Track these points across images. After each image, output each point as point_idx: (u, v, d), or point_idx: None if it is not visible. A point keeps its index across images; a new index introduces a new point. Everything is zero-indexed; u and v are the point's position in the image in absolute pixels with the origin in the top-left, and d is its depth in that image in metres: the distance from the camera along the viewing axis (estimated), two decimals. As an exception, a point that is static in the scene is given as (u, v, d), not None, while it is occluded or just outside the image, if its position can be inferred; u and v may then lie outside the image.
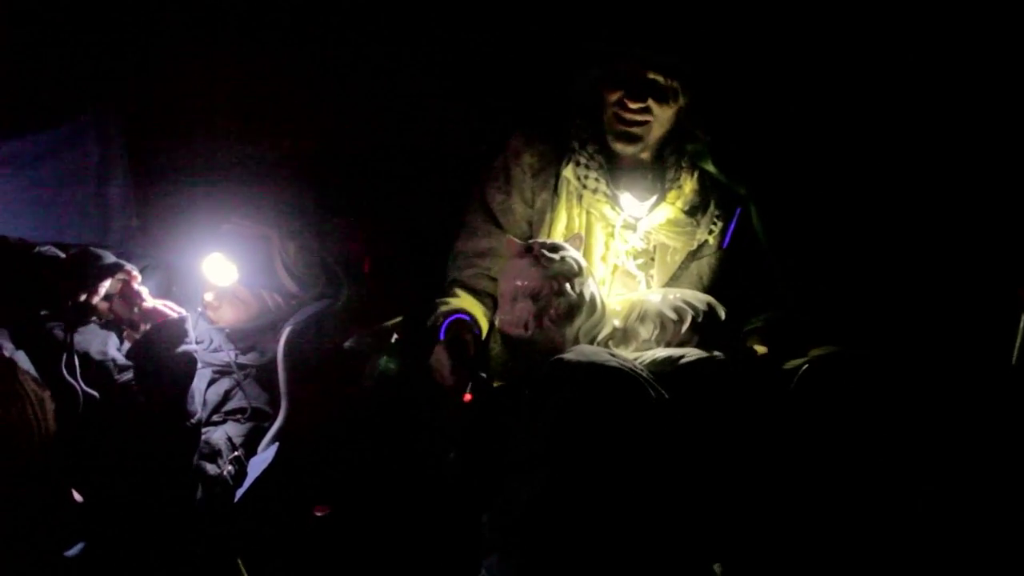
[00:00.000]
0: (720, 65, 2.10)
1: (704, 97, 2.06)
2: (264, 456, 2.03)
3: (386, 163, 2.78)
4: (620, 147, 2.09)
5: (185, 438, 1.86)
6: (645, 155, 2.14)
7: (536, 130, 2.18)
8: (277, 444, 2.06)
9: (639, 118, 2.04)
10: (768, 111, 2.32)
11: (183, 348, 1.87)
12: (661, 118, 2.05)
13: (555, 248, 2.00)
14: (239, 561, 1.88)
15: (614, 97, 2.05)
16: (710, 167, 2.10)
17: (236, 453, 1.97)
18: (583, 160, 2.12)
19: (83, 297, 1.93)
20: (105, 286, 1.97)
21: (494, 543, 1.77)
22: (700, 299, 2.04)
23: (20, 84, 2.64)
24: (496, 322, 2.08)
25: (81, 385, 1.88)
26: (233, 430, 2.03)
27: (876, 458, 1.79)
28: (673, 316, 1.99)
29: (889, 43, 2.42)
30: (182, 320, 1.92)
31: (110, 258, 2.00)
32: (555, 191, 2.13)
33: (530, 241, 2.05)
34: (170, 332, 1.89)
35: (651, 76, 2.01)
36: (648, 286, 2.13)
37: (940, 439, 1.86)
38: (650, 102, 2.02)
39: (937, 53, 2.39)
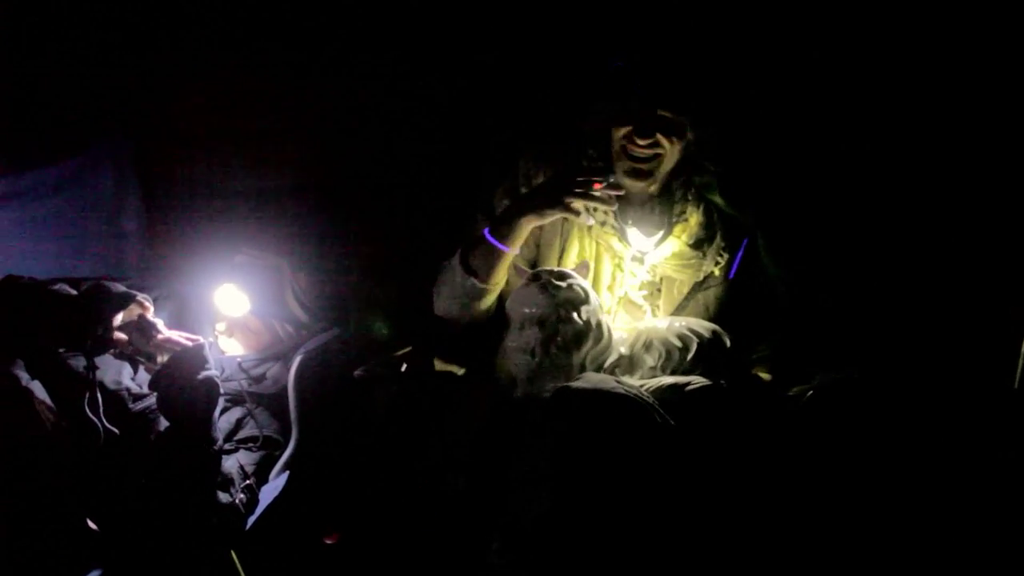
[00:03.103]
0: (729, 99, 2.11)
1: (712, 131, 2.07)
2: (275, 484, 2.05)
3: (397, 192, 2.80)
4: (630, 183, 2.07)
5: (207, 465, 1.88)
6: (652, 188, 2.15)
7: (547, 151, 2.18)
8: (288, 472, 2.08)
9: (648, 153, 2.03)
10: (774, 141, 2.33)
11: (205, 374, 1.89)
12: (670, 152, 2.04)
13: (562, 276, 2.02)
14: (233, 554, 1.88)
15: (622, 132, 2.04)
16: (717, 199, 2.11)
17: (248, 481, 1.98)
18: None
19: (100, 331, 1.95)
20: (119, 318, 2.00)
21: (501, 569, 1.78)
22: (706, 327, 2.05)
23: (34, 116, 2.67)
24: (503, 349, 2.10)
25: (104, 423, 1.90)
26: (245, 458, 2.04)
27: (881, 482, 1.79)
28: (679, 344, 2.01)
29: (894, 67, 2.44)
30: (201, 347, 1.94)
31: (121, 289, 2.02)
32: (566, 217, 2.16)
33: (538, 269, 2.07)
34: (191, 359, 1.90)
35: (660, 112, 2.00)
36: (654, 316, 2.15)
37: (944, 463, 1.87)
38: (659, 137, 2.01)
39: (941, 74, 2.41)
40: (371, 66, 2.77)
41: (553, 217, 2.00)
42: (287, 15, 2.75)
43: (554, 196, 1.97)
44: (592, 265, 2.13)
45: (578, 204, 1.95)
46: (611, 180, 1.98)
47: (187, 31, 2.75)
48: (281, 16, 2.75)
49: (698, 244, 2.13)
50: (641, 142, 2.02)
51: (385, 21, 2.74)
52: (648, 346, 2.02)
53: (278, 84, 2.79)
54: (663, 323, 2.07)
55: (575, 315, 1.99)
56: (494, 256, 2.06)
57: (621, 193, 1.98)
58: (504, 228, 2.03)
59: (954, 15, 2.38)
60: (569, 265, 2.14)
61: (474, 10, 2.69)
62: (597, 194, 1.96)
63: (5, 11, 2.64)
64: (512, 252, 2.06)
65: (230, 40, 2.75)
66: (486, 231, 2.05)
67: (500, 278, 2.10)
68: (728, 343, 2.04)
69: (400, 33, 2.74)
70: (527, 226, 2.02)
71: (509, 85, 2.69)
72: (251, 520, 1.95)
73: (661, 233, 2.13)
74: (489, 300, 2.13)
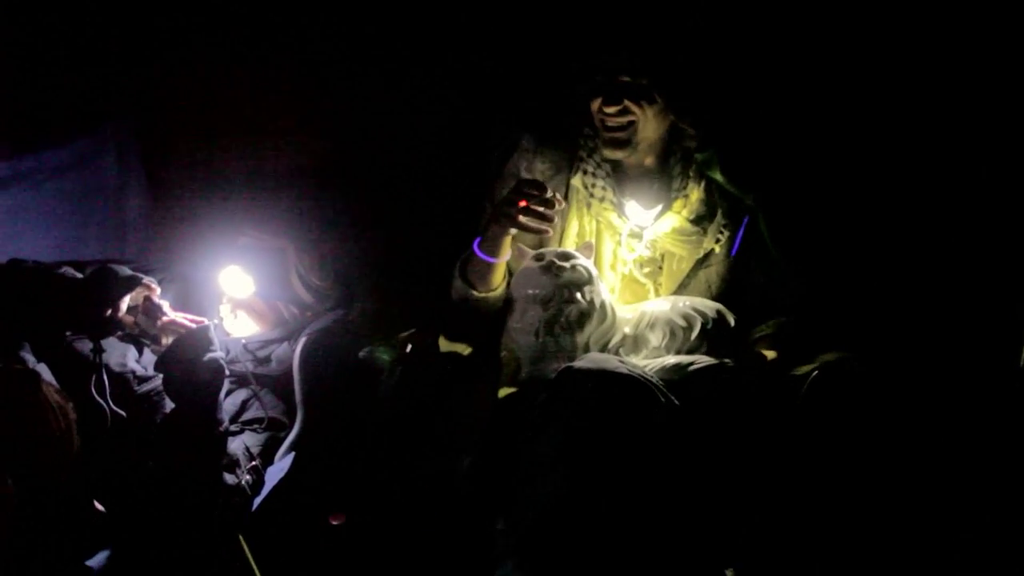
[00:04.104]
0: (689, 61, 2.11)
1: (680, 93, 2.07)
2: (281, 465, 2.06)
3: (400, 174, 2.80)
4: (610, 152, 2.11)
5: (213, 446, 1.89)
6: (649, 162, 2.15)
7: (546, 136, 2.20)
8: (293, 453, 2.09)
9: (620, 120, 2.06)
10: (775, 120, 2.32)
11: (210, 356, 1.90)
12: (645, 119, 2.06)
13: (566, 256, 2.02)
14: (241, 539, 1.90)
15: (596, 106, 2.08)
16: (718, 176, 2.11)
17: (253, 463, 1.99)
18: (590, 169, 2.15)
19: (108, 313, 1.96)
20: (127, 300, 2.00)
21: (508, 550, 1.79)
22: (709, 306, 2.05)
23: (39, 100, 2.68)
24: (507, 330, 2.10)
25: (110, 405, 1.91)
26: (250, 440, 2.06)
27: (885, 464, 1.79)
28: (683, 323, 2.01)
29: (896, 45, 2.42)
30: (205, 329, 1.95)
31: (127, 272, 2.03)
32: (566, 198, 2.16)
33: (541, 250, 2.07)
34: (196, 341, 1.92)
35: (622, 79, 2.04)
36: (656, 294, 2.14)
37: (948, 444, 1.87)
38: (626, 103, 2.04)
39: (940, 55, 2.39)
40: (376, 49, 2.76)
41: (514, 229, 2.00)
42: (291, 2, 2.75)
43: (502, 214, 1.99)
44: (593, 245, 2.13)
45: (522, 220, 1.96)
46: (547, 196, 1.96)
47: (192, 14, 2.74)
48: (285, 3, 2.74)
49: (698, 220, 2.13)
50: (609, 110, 2.05)
51: (390, 7, 2.73)
52: (652, 325, 2.02)
53: (283, 67, 2.79)
54: (667, 302, 2.06)
55: (578, 295, 1.99)
56: (485, 267, 2.08)
57: (553, 211, 1.96)
58: (487, 242, 2.06)
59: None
60: (570, 244, 2.14)
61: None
62: (539, 210, 1.95)
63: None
64: (501, 261, 2.08)
65: (235, 24, 2.74)
66: (475, 244, 2.08)
67: (496, 283, 2.13)
68: (732, 322, 2.03)
69: (404, 19, 2.73)
70: (503, 237, 2.03)
71: (512, 69, 2.68)
72: (257, 501, 1.96)
73: (660, 207, 2.13)
74: (493, 299, 2.14)
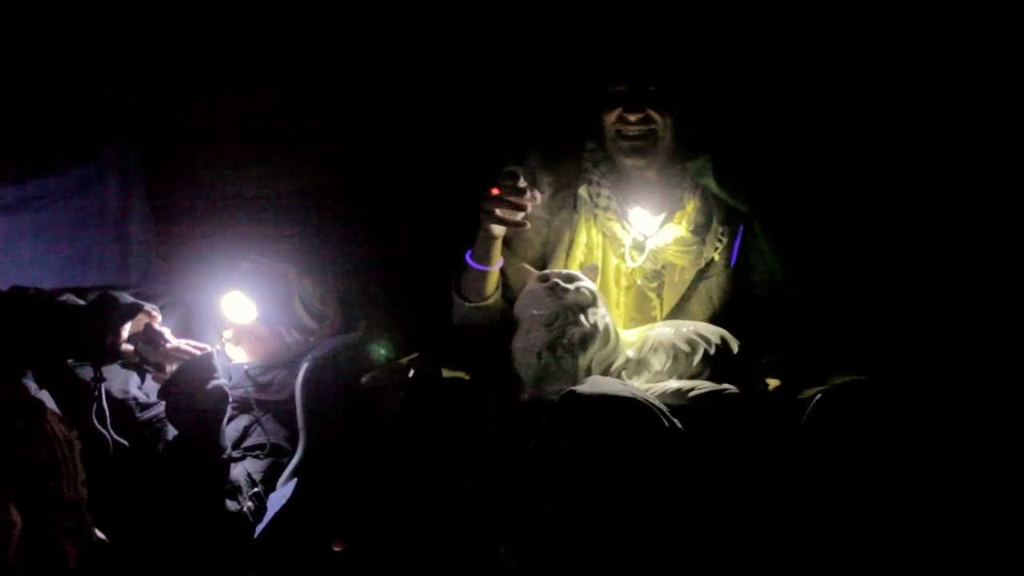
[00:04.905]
0: (708, 66, 2.14)
1: (698, 102, 2.09)
2: (283, 492, 2.05)
3: (403, 198, 2.81)
4: (631, 162, 2.13)
5: (215, 473, 1.88)
6: (651, 174, 2.16)
7: (552, 150, 2.21)
8: (296, 480, 2.08)
9: (642, 128, 2.08)
10: (768, 125, 2.33)
11: (214, 383, 1.90)
12: (663, 126, 2.08)
13: (570, 278, 2.02)
14: None
15: (613, 116, 2.09)
16: (711, 184, 2.12)
17: (255, 489, 1.99)
18: (595, 178, 2.16)
19: (109, 340, 1.96)
20: (127, 328, 2.00)
21: (511, 573, 1.78)
22: (713, 332, 2.04)
23: (42, 125, 2.69)
24: (511, 350, 2.10)
25: (112, 435, 1.91)
26: (252, 466, 2.05)
27: (892, 487, 1.79)
28: (686, 348, 2.00)
29: (890, 48, 2.43)
30: (209, 356, 1.95)
31: (128, 299, 2.03)
32: (574, 208, 2.17)
33: (545, 271, 2.07)
34: (199, 368, 1.92)
35: (649, 88, 2.05)
36: (659, 307, 2.15)
37: (956, 463, 1.86)
38: (648, 111, 2.06)
39: (937, 59, 2.39)
40: (378, 70, 2.77)
41: (501, 230, 2.02)
42: (293, 22, 2.76)
43: (481, 212, 1.99)
44: (599, 256, 2.15)
45: (498, 212, 1.96)
46: (519, 185, 1.96)
47: (194, 39, 2.76)
48: (287, 23, 2.76)
49: (697, 230, 2.14)
50: (632, 118, 2.06)
51: (391, 25, 2.75)
52: (655, 349, 2.01)
53: (285, 90, 2.80)
54: (671, 327, 2.06)
55: (582, 318, 1.98)
56: (478, 275, 2.10)
57: (525, 200, 1.96)
58: (476, 249, 2.07)
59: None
60: (579, 253, 2.15)
61: (478, 12, 2.70)
62: (511, 199, 1.95)
63: (11, 19, 2.66)
64: (493, 268, 2.09)
65: (237, 48, 2.76)
66: (467, 255, 2.09)
67: (489, 292, 2.14)
68: (735, 348, 2.02)
69: (406, 36, 2.75)
70: (490, 241, 2.04)
71: (516, 86, 2.69)
72: (259, 528, 1.96)
73: (662, 217, 2.14)
74: (486, 309, 2.15)
